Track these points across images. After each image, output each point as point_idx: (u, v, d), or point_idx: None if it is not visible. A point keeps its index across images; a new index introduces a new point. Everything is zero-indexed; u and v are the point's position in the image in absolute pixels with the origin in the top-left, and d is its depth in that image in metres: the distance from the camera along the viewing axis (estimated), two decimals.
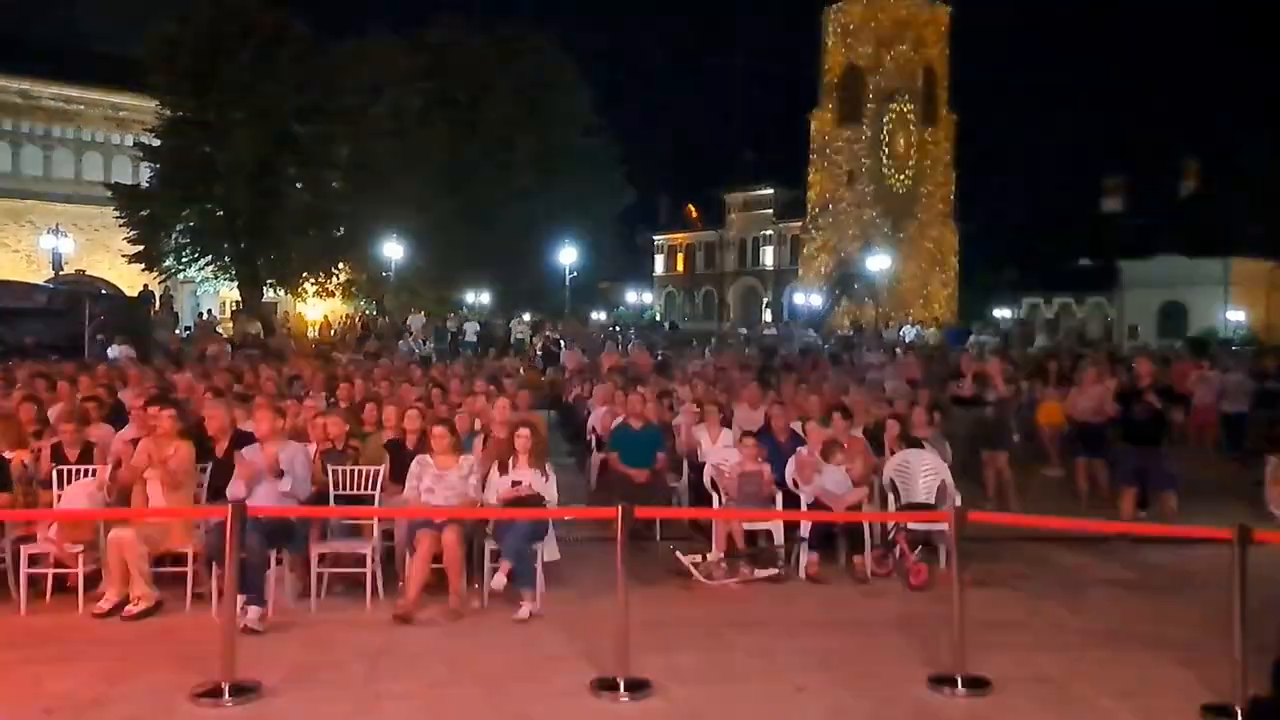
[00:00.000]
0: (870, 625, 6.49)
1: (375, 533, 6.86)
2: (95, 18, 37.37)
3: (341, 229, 35.21)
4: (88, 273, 38.18)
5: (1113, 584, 7.65)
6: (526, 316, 34.67)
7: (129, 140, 38.35)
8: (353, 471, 7.12)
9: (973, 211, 54.89)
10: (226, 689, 4.93)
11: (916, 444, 8.72)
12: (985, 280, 53.71)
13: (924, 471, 8.25)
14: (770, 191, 63.44)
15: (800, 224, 58.04)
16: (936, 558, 7.73)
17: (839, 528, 7.78)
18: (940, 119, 54.09)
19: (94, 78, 38.81)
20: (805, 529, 7.66)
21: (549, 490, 6.99)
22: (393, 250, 34.75)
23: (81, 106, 40.80)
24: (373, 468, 7.16)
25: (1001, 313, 49.85)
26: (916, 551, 7.57)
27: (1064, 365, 15.24)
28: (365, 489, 7.06)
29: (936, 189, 54.18)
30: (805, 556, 7.63)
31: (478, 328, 30.32)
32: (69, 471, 7.12)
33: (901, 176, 52.76)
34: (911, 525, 7.62)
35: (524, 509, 6.66)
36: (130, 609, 6.30)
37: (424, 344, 26.94)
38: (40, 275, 33.54)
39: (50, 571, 6.70)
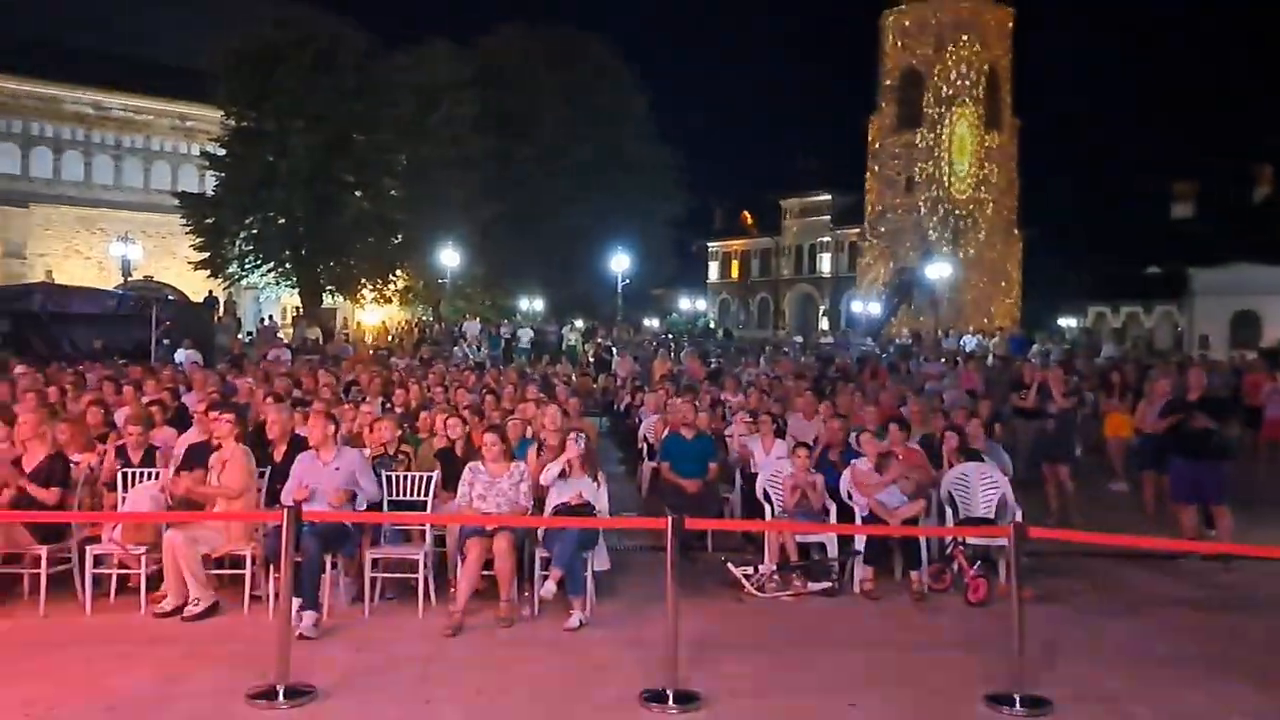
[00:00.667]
0: (926, 642, 6.38)
1: (427, 539, 6.90)
2: (164, 31, 38.35)
3: (399, 236, 35.69)
4: (155, 279, 39.12)
5: (1179, 602, 7.43)
6: (579, 323, 34.80)
7: (195, 150, 39.31)
8: (405, 477, 7.18)
9: (1038, 217, 53.87)
10: (281, 691, 4.99)
11: (976, 456, 8.55)
12: (1050, 288, 52.68)
13: (983, 485, 8.09)
14: (827, 197, 62.91)
15: (858, 230, 57.48)
16: (996, 573, 7.57)
17: (895, 541, 7.66)
18: (1004, 123, 53.20)
19: (163, 89, 39.89)
20: (860, 542, 7.55)
21: (600, 498, 6.98)
22: (448, 257, 35.15)
23: (150, 117, 41.93)
24: (425, 474, 7.22)
25: (1067, 322, 48.82)
26: (975, 567, 7.41)
27: (1129, 376, 14.87)
28: (417, 495, 7.12)
29: (1000, 194, 53.28)
30: (860, 570, 7.51)
31: (531, 334, 30.51)
32: (133, 474, 7.29)
33: (963, 182, 52.03)
34: (970, 540, 7.48)
35: (574, 518, 6.65)
36: (190, 610, 6.41)
37: (478, 350, 27.17)
38: (110, 281, 34.45)
39: (114, 572, 6.86)
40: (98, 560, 6.72)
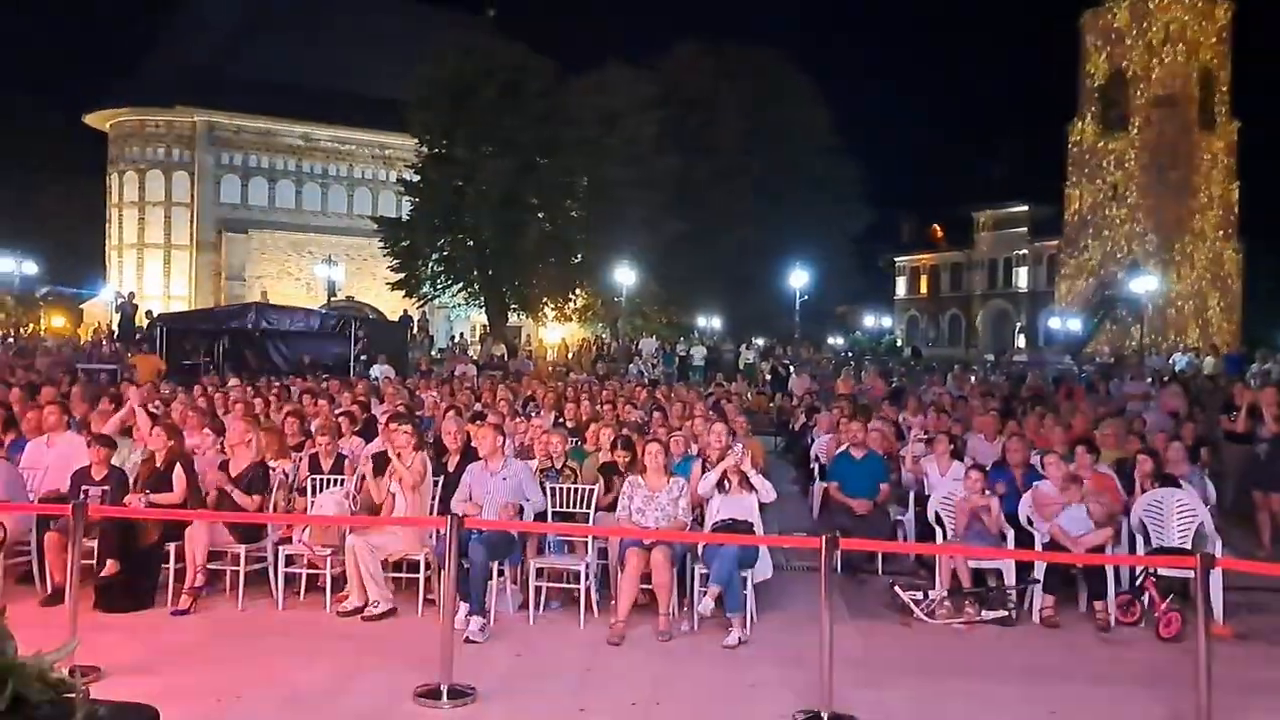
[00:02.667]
0: (1110, 677, 5.98)
1: (590, 550, 7.02)
2: (363, 65, 40.83)
3: (579, 256, 36.57)
4: (356, 298, 41.62)
5: None
6: (758, 341, 34.63)
7: (393, 176, 41.62)
8: (569, 489, 7.33)
9: (1259, 226, 49.78)
10: (445, 691, 5.18)
11: (1172, 482, 7.96)
12: (1275, 301, 48.52)
13: (1179, 512, 7.53)
14: (1024, 208, 60.06)
15: (1057, 243, 54.69)
16: (1193, 607, 7.01)
17: (1079, 570, 7.23)
18: (1219, 126, 49.53)
19: (364, 121, 42.55)
20: (1040, 570, 7.17)
21: (766, 494, 6.92)
22: (624, 275, 35.82)
23: (353, 147, 44.83)
24: (588, 486, 7.35)
25: None
26: (1169, 600, 6.90)
27: None
28: (581, 507, 7.26)
29: (1215, 202, 49.54)
30: (1039, 599, 7.13)
31: (704, 351, 30.56)
32: (323, 481, 7.78)
33: (1173, 189, 48.69)
34: (1164, 571, 6.98)
35: (731, 534, 6.61)
36: (370, 611, 6.76)
37: (653, 367, 27.47)
38: (317, 301, 36.93)
39: (303, 571, 7.32)
40: (289, 560, 7.20)
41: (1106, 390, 20.53)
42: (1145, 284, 44.04)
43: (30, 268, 41.97)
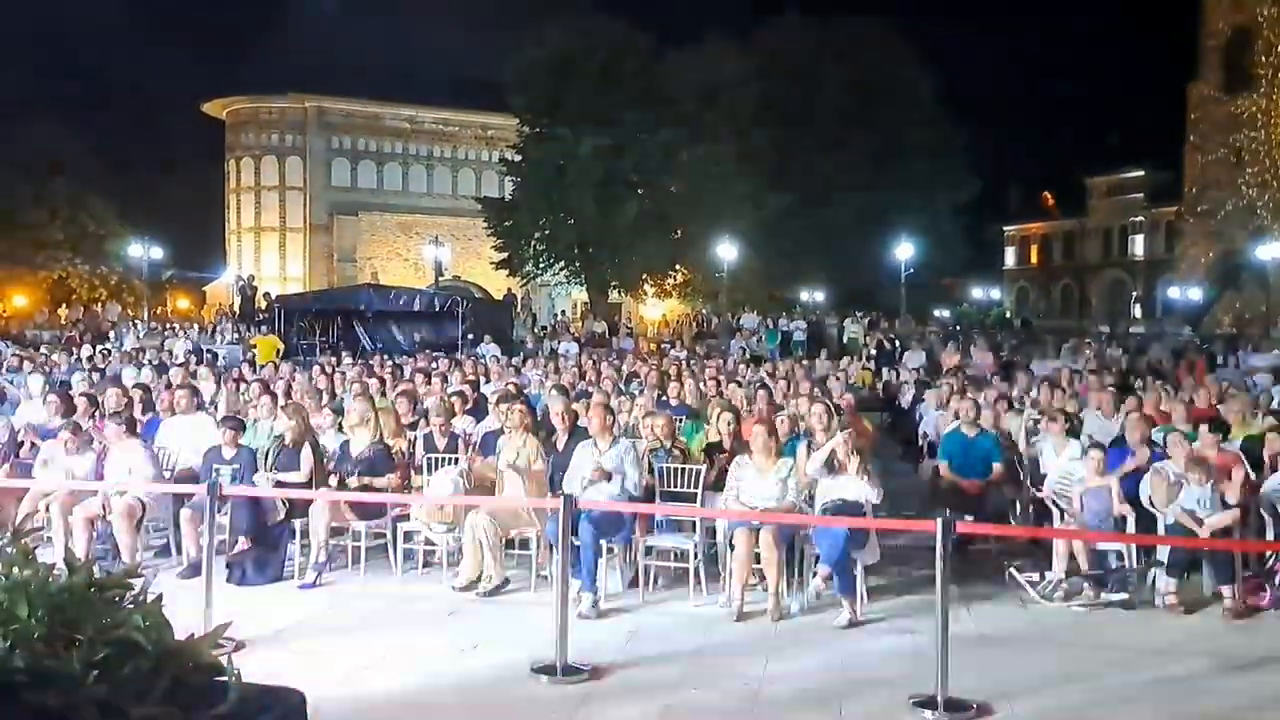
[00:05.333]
0: (1237, 662, 5.78)
1: (698, 529, 7.08)
2: (464, 46, 41.53)
3: (678, 232, 36.52)
4: (462, 278, 42.44)
5: None
6: (861, 315, 34.11)
7: (496, 157, 42.22)
8: (678, 469, 7.40)
9: None
10: (559, 667, 5.30)
11: None
12: None
13: None
14: (1140, 174, 57.60)
15: (1176, 209, 52.34)
16: None
17: (1204, 553, 6.99)
18: None
19: (466, 102, 43.24)
20: (1162, 553, 6.95)
21: (871, 496, 6.85)
22: (726, 250, 35.63)
23: (457, 128, 45.65)
24: (695, 466, 7.40)
25: None
26: None
27: None
28: (688, 486, 7.31)
29: None
30: (1162, 582, 6.92)
31: (804, 326, 30.19)
32: (437, 459, 8.01)
33: None
34: None
35: (841, 516, 6.58)
36: (484, 586, 6.95)
37: (756, 343, 27.31)
38: (424, 281, 37.78)
39: (421, 547, 7.57)
40: (407, 536, 7.45)
41: (1234, 364, 19.70)
42: (1272, 251, 41.86)
43: (156, 253, 44.00)
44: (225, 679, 1.98)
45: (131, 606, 2.07)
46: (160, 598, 2.05)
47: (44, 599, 1.96)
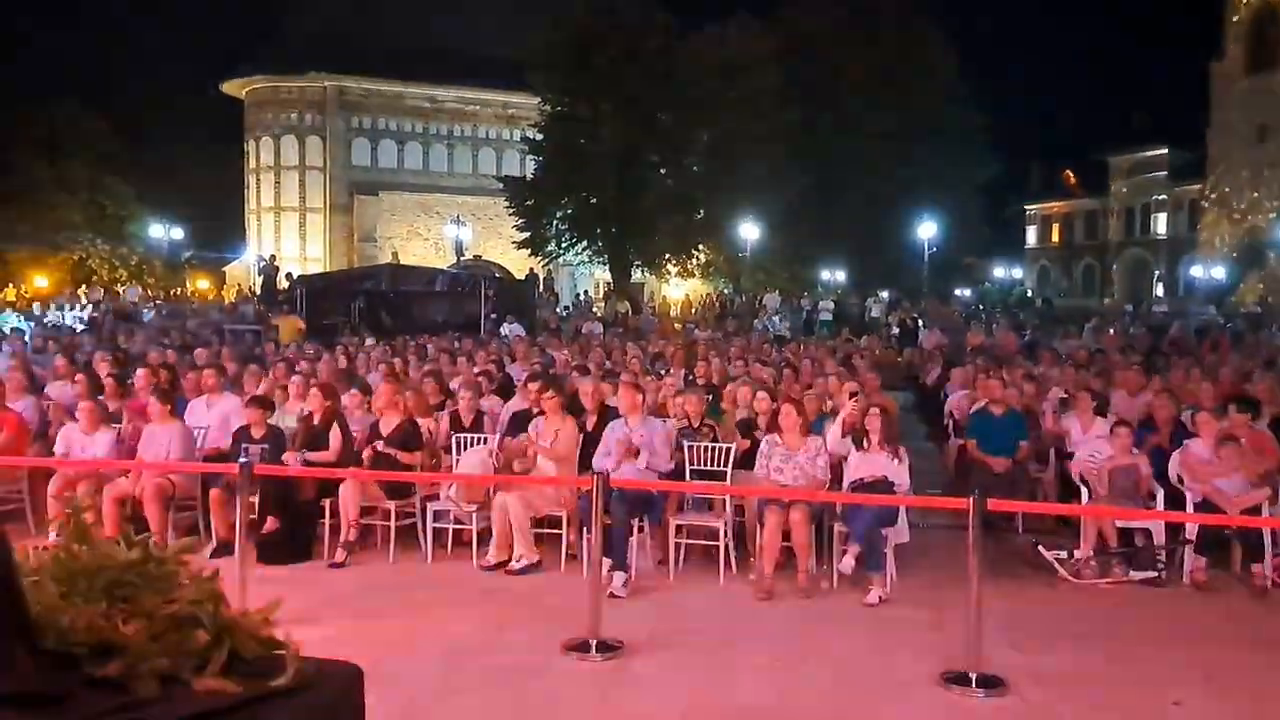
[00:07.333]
0: (1267, 641, 5.78)
1: (727, 508, 7.10)
2: (484, 24, 41.22)
3: (700, 212, 36.39)
4: (483, 258, 42.44)
5: None
6: (884, 294, 33.94)
7: (517, 135, 42.08)
8: (707, 448, 7.41)
9: None
10: (593, 645, 5.34)
11: None
12: None
13: None
14: (1163, 152, 56.92)
15: (1199, 188, 51.74)
16: None
17: (1233, 531, 6.96)
18: None
19: (487, 81, 43.05)
20: (1191, 531, 6.93)
21: (900, 475, 6.85)
22: (748, 230, 35.43)
23: (477, 107, 45.52)
24: (726, 445, 7.41)
25: None
26: None
27: None
28: (718, 465, 7.33)
29: None
30: (1190, 560, 6.90)
31: (831, 306, 30.12)
32: (465, 439, 8.04)
33: None
34: None
35: (871, 494, 6.59)
36: (513, 565, 6.99)
37: (779, 322, 27.24)
38: (445, 260, 37.81)
39: (450, 527, 7.60)
40: (436, 516, 7.49)
41: (1258, 342, 19.50)
42: None
43: (177, 233, 44.25)
44: (282, 652, 2.00)
45: (187, 581, 2.09)
46: (217, 573, 2.07)
47: (104, 573, 1.98)
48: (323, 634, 5.56)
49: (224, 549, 7.05)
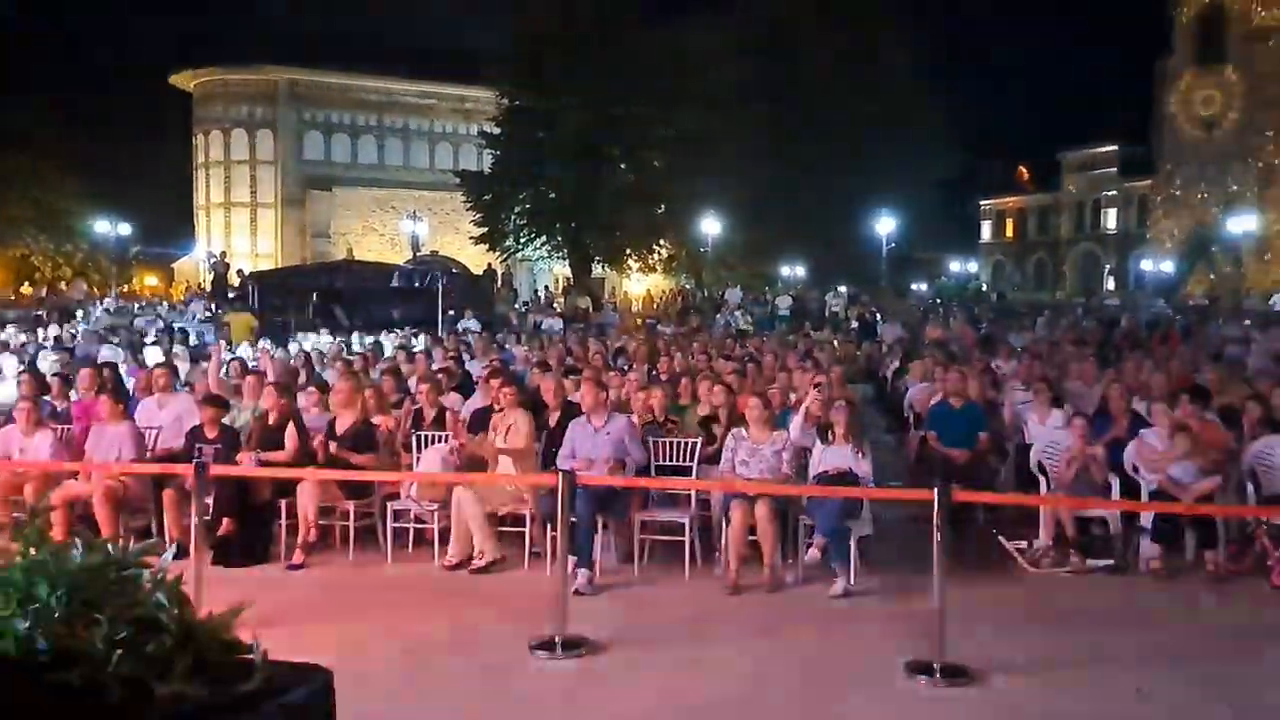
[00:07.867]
0: (1223, 625, 5.92)
1: (692, 503, 7.08)
2: (439, 17, 40.95)
3: (662, 206, 36.37)
4: (440, 253, 42.12)
5: None
6: (843, 289, 34.20)
7: (474, 130, 41.77)
8: (671, 443, 7.39)
9: None
10: (560, 642, 5.30)
11: None
12: None
13: None
14: (1113, 148, 57.89)
15: (1148, 183, 52.74)
16: None
17: (1187, 520, 7.08)
18: None
19: (442, 74, 42.68)
20: (1147, 519, 7.04)
21: (862, 467, 6.89)
22: (709, 225, 35.49)
23: (434, 101, 45.12)
24: (689, 440, 7.40)
25: None
26: None
27: None
28: (682, 460, 7.31)
29: None
30: (1146, 548, 7.01)
31: (790, 301, 30.29)
32: (425, 437, 7.94)
33: (1274, 126, 46.44)
34: (1276, 519, 6.79)
35: (836, 487, 6.61)
36: (475, 563, 6.92)
37: (741, 317, 27.34)
38: (401, 256, 37.45)
39: (411, 526, 7.49)
40: (396, 515, 7.39)
41: (1205, 334, 19.90)
42: (1243, 224, 42.33)
43: (124, 229, 43.36)
44: (251, 656, 1.95)
45: (150, 584, 2.03)
46: (180, 576, 2.02)
47: (63, 578, 1.92)
48: (284, 636, 5.47)
49: (179, 552, 6.88)
